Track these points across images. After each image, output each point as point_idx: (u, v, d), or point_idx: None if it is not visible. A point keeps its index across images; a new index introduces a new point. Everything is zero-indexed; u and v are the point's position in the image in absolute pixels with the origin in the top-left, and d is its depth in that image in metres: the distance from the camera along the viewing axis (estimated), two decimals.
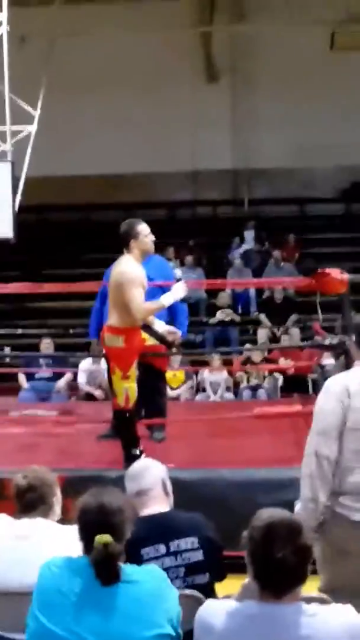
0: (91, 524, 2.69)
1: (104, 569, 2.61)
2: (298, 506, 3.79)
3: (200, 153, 17.11)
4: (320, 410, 3.72)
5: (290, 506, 2.84)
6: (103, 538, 2.61)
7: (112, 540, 2.61)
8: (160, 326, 6.40)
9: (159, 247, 6.55)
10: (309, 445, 3.71)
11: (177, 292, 6.16)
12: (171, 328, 6.50)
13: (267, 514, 2.58)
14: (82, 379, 11.32)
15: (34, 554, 3.07)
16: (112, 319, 5.95)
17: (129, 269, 5.90)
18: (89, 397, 11.09)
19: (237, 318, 14.17)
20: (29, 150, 10.75)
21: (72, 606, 2.59)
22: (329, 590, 3.46)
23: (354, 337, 3.96)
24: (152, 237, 6.09)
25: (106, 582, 2.61)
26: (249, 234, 16.31)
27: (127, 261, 5.97)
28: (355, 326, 4.00)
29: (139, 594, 2.62)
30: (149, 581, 2.68)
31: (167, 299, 6.10)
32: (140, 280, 5.92)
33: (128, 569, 2.66)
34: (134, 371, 5.98)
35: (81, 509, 2.75)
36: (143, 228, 6.05)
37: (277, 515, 2.57)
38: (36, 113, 11.06)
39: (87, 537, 2.68)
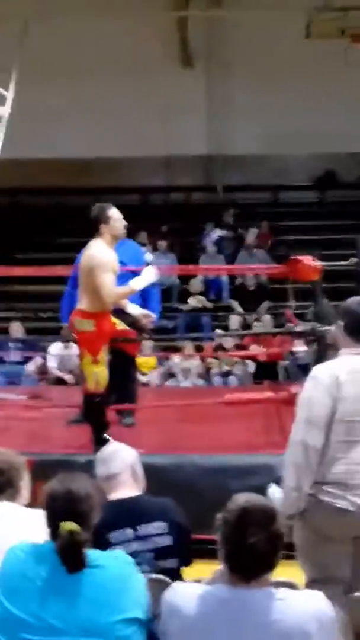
0: (58, 510, 2.66)
1: (70, 557, 2.59)
2: (272, 489, 3.79)
3: (173, 139, 17.03)
4: (308, 400, 3.65)
5: (260, 491, 2.82)
6: (69, 525, 2.59)
7: (78, 528, 2.60)
8: (134, 309, 6.38)
9: (132, 233, 6.51)
10: (295, 434, 3.66)
11: (148, 276, 6.15)
12: (144, 311, 6.50)
13: (244, 498, 2.58)
14: (52, 363, 11.28)
15: (1, 537, 3.04)
16: (83, 303, 5.92)
17: (100, 253, 5.87)
18: (59, 381, 11.05)
19: (210, 305, 14.15)
20: (1, 133, 10.64)
21: (38, 592, 2.57)
22: (314, 579, 3.46)
23: (341, 323, 3.83)
24: (123, 222, 6.06)
25: (71, 569, 2.59)
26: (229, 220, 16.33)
27: (98, 245, 5.93)
28: (343, 312, 3.87)
29: (105, 580, 2.61)
30: (115, 566, 2.67)
31: (137, 284, 6.08)
32: (111, 265, 5.89)
33: (93, 555, 2.64)
34: (103, 356, 5.96)
35: (48, 495, 2.72)
36: (114, 212, 6.02)
37: (253, 500, 2.57)
38: (9, 95, 10.94)
39: (53, 524, 2.65)
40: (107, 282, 5.80)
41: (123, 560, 2.73)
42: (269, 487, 3.81)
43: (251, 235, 15.48)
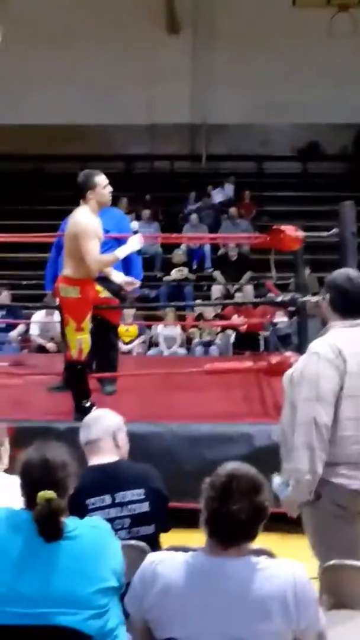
0: (34, 479, 2.63)
1: (47, 526, 2.57)
2: (276, 480, 3.64)
3: (158, 106, 16.96)
4: (314, 376, 3.50)
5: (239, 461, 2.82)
6: (47, 494, 2.56)
7: (56, 496, 2.57)
8: (118, 277, 6.38)
9: (114, 200, 6.50)
10: (303, 414, 3.49)
11: (133, 244, 6.15)
12: (129, 278, 6.48)
13: (234, 465, 2.59)
14: (34, 330, 11.27)
15: None
16: (68, 269, 5.92)
17: (85, 220, 5.86)
18: (41, 349, 11.05)
19: (192, 277, 14.15)
20: None
21: (13, 562, 2.55)
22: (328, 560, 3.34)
23: (327, 296, 3.73)
24: (109, 189, 6.05)
25: (49, 538, 2.57)
26: (229, 187, 16.35)
27: (84, 212, 5.91)
28: (329, 286, 3.75)
29: (82, 549, 2.60)
30: (91, 534, 2.65)
31: (122, 252, 6.08)
32: (96, 232, 5.88)
33: (71, 524, 2.63)
34: (87, 323, 5.96)
35: (24, 464, 2.69)
36: (101, 179, 5.99)
37: (242, 469, 2.58)
38: None
39: (30, 493, 2.62)
40: (92, 249, 5.80)
41: (100, 528, 2.72)
42: (273, 478, 3.61)
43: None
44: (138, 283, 6.72)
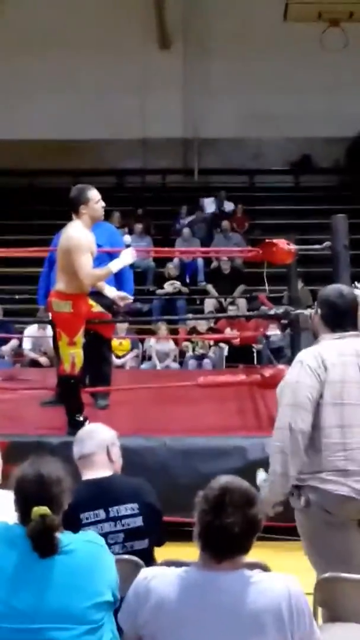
0: (29, 494, 2.62)
1: (42, 542, 2.56)
2: (260, 474, 3.73)
3: (150, 121, 17.00)
4: (294, 384, 3.60)
5: (233, 474, 2.83)
6: (41, 510, 2.55)
7: (50, 512, 2.56)
8: (111, 291, 6.39)
9: (105, 215, 6.52)
10: (280, 419, 3.59)
11: (126, 258, 6.16)
12: (122, 293, 6.50)
13: (227, 479, 2.59)
14: (27, 345, 11.26)
15: None
16: (60, 284, 5.92)
17: (78, 234, 5.87)
18: (34, 363, 11.04)
19: (185, 290, 14.15)
20: None
21: (8, 579, 2.54)
22: (324, 569, 3.40)
23: (319, 311, 3.82)
24: (102, 204, 6.06)
25: (44, 554, 2.56)
26: (228, 204, 16.36)
27: (76, 227, 5.92)
28: (322, 300, 3.86)
29: (76, 565, 2.59)
30: (86, 549, 2.65)
31: (115, 265, 6.10)
32: (89, 246, 5.89)
33: (65, 539, 2.62)
34: (80, 337, 5.96)
35: (19, 479, 2.68)
36: (94, 194, 6.01)
37: (235, 482, 2.57)
38: None
39: (24, 508, 2.61)
40: (85, 263, 5.80)
41: (94, 543, 2.71)
42: (258, 473, 3.75)
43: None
44: (131, 298, 6.72)
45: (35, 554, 2.56)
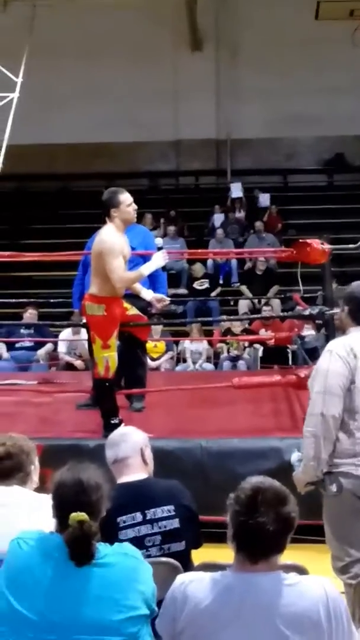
0: (67, 500, 2.61)
1: (79, 548, 2.54)
2: (294, 455, 3.91)
3: (183, 122, 17.03)
4: (325, 371, 3.76)
5: (268, 475, 2.81)
6: (79, 516, 2.54)
7: (88, 519, 2.55)
8: (148, 294, 6.38)
9: (138, 217, 6.53)
10: (313, 406, 3.76)
11: (158, 261, 6.16)
12: (158, 295, 6.48)
13: (258, 479, 2.58)
14: (62, 348, 11.31)
15: (10, 521, 3.06)
16: (94, 287, 5.94)
17: (110, 238, 5.88)
18: (69, 366, 11.08)
19: (207, 285, 14.02)
20: (10, 118, 10.65)
21: (44, 589, 2.52)
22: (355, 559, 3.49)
23: (346, 308, 3.97)
24: (134, 207, 6.06)
25: (80, 562, 2.55)
26: (264, 197, 16.27)
27: (109, 230, 5.94)
28: (348, 297, 4.00)
29: (112, 576, 2.57)
30: (123, 562, 2.62)
31: (147, 268, 6.10)
32: (121, 250, 5.90)
33: (102, 551, 2.60)
34: (114, 340, 5.97)
35: (57, 485, 2.67)
36: (126, 197, 6.01)
37: (266, 482, 2.57)
38: (19, 80, 10.95)
39: (62, 514, 2.60)
40: (117, 267, 5.81)
41: (131, 555, 2.68)
42: (292, 453, 3.97)
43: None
44: (168, 300, 6.72)
45: (71, 565, 2.55)
